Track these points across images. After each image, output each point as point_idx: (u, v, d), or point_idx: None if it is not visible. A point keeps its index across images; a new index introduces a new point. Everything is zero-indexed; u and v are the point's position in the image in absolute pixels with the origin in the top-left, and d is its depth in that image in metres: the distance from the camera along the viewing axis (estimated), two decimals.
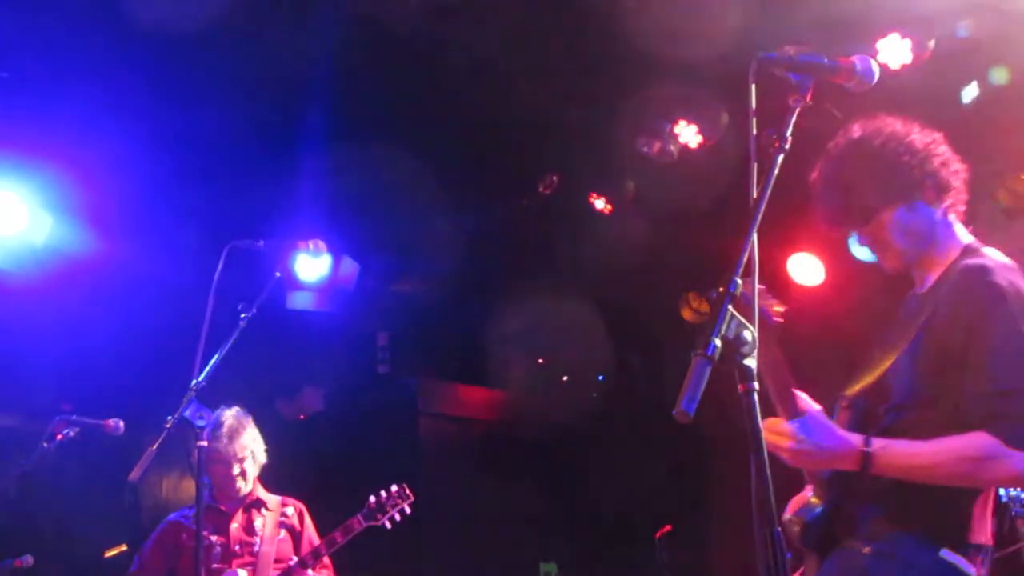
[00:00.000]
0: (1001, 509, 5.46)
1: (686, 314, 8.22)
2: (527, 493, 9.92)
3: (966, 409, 2.80)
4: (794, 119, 2.46)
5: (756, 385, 2.15)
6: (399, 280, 9.22)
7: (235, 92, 6.61)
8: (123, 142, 6.70)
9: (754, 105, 2.42)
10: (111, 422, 4.91)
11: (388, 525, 5.70)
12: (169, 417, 4.01)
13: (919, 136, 3.13)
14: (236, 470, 5.60)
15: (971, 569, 2.86)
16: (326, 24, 6.38)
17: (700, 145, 7.26)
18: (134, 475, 3.95)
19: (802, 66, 2.53)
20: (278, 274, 4.61)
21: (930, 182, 3.08)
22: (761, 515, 2.14)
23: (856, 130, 3.18)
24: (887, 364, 3.06)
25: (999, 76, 6.61)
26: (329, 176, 7.57)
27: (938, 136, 3.16)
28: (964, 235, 3.16)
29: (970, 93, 6.79)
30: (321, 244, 4.73)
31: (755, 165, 2.35)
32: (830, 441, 2.84)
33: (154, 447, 3.94)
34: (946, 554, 2.83)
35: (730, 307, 2.14)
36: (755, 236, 2.29)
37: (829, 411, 3.06)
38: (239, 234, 4.68)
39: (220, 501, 5.67)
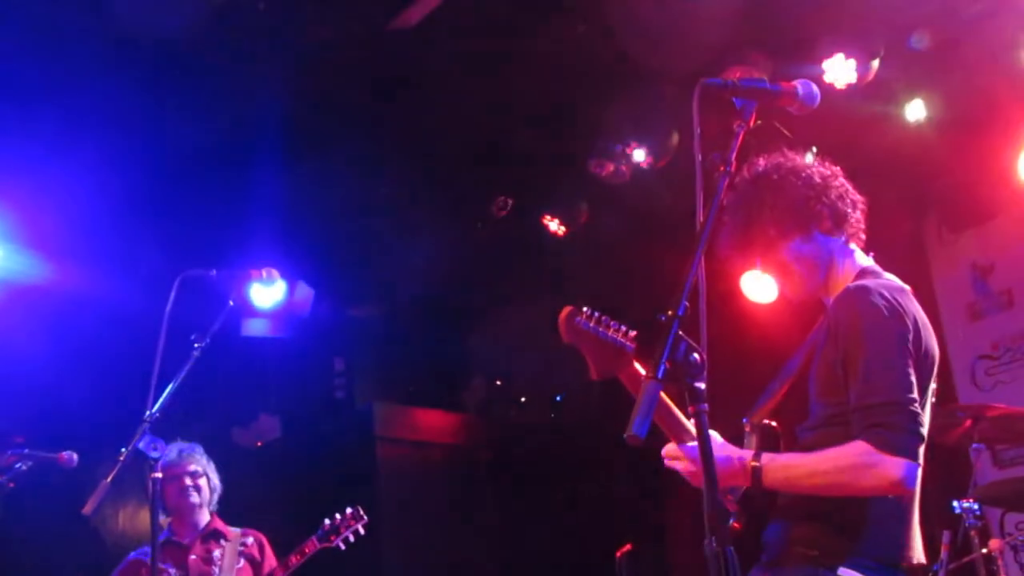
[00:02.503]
0: (955, 520, 5.52)
1: None
2: (486, 516, 9.90)
3: (850, 422, 2.87)
4: (738, 143, 2.50)
5: (707, 407, 2.19)
6: (354, 305, 9.20)
7: (186, 119, 6.59)
8: (74, 170, 6.65)
9: (698, 130, 2.46)
10: (64, 455, 4.87)
11: (342, 546, 5.79)
12: (123, 449, 3.98)
13: (818, 170, 3.26)
14: (188, 482, 5.65)
15: None
16: (279, 51, 6.39)
17: (651, 166, 7.33)
18: (88, 508, 3.90)
19: (745, 91, 2.58)
20: (231, 303, 4.58)
21: (827, 213, 3.19)
22: (713, 533, 2.17)
23: (759, 164, 3.29)
24: (786, 388, 3.17)
25: (915, 111, 6.77)
26: (283, 202, 7.55)
27: (836, 170, 3.29)
28: (863, 260, 3.27)
29: (914, 112, 6.92)
30: (274, 272, 4.72)
31: (701, 189, 2.39)
32: (721, 454, 2.92)
33: (108, 479, 3.90)
34: (844, 571, 2.86)
35: (679, 330, 2.17)
36: (702, 258, 2.32)
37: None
38: (192, 263, 4.66)
39: (178, 533, 5.67)
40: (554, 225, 8.20)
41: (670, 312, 2.20)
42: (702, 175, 2.42)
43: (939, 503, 6.70)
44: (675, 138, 7.24)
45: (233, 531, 5.77)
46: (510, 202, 8.18)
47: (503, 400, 10.49)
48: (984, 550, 5.42)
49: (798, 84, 2.65)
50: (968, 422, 5.65)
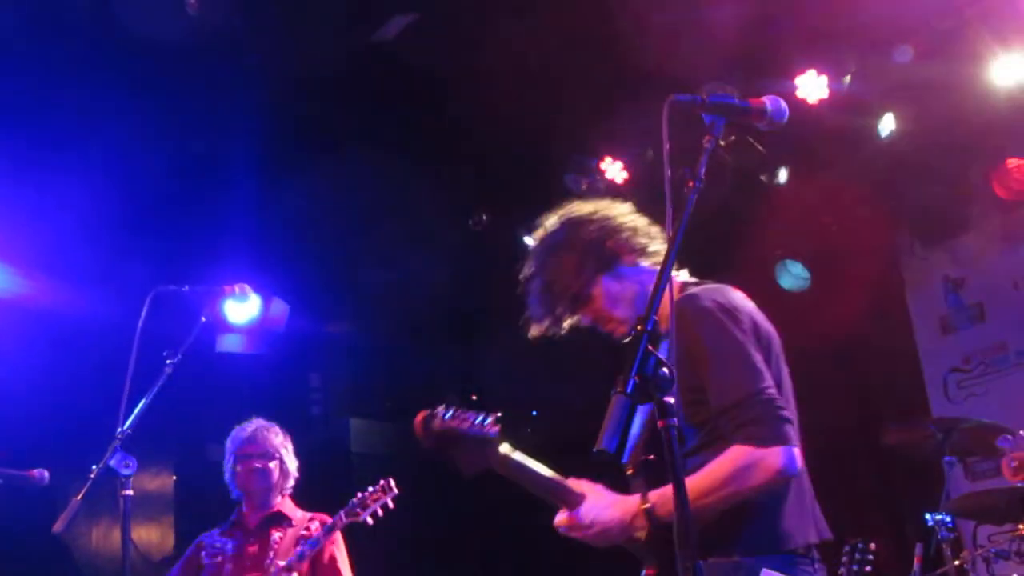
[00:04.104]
0: (927, 533, 5.55)
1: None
2: (464, 532, 9.86)
3: (720, 432, 2.87)
4: (707, 158, 2.52)
5: (676, 421, 2.19)
6: (330, 321, 9.17)
7: (161, 135, 6.58)
8: (46, 185, 6.62)
9: (667, 145, 2.47)
10: (36, 472, 4.81)
11: (370, 521, 5.54)
12: (94, 466, 3.95)
13: (603, 210, 3.29)
14: (258, 464, 5.49)
15: None
16: (254, 68, 6.39)
17: (626, 181, 7.36)
18: (58, 527, 3.88)
19: (714, 107, 2.59)
20: (204, 319, 4.56)
21: (625, 248, 3.21)
22: (683, 547, 2.18)
23: (545, 225, 3.34)
24: (653, 421, 3.06)
25: (887, 125, 6.83)
26: (258, 217, 7.54)
27: (623, 205, 3.32)
28: (680, 276, 3.26)
29: (887, 126, 6.98)
30: (247, 288, 4.70)
31: (670, 205, 2.41)
32: (615, 513, 2.92)
33: (78, 497, 3.88)
34: (767, 573, 2.85)
35: (648, 345, 2.18)
36: (672, 273, 2.33)
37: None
38: (168, 278, 4.64)
39: (245, 515, 5.56)
40: (531, 241, 8.20)
41: (639, 327, 2.20)
42: (671, 190, 2.43)
43: (912, 515, 6.75)
44: (650, 153, 7.28)
45: (300, 515, 5.61)
46: (486, 217, 8.19)
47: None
48: (956, 562, 5.46)
49: (767, 100, 2.67)
50: (940, 435, 5.69)
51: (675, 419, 2.20)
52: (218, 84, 6.36)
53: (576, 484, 3.01)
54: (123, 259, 7.37)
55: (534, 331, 3.31)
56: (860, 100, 6.69)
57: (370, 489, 5.56)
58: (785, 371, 3.11)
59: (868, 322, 8.24)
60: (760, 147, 7.21)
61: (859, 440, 8.25)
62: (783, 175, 7.47)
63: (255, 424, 5.65)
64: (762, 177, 7.48)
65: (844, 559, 5.57)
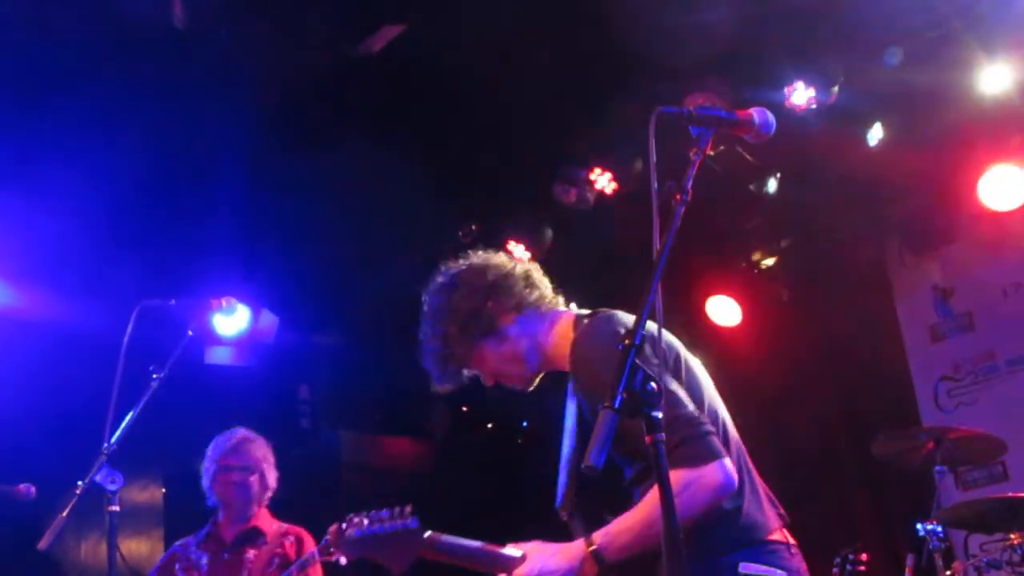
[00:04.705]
0: (918, 543, 5.54)
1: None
2: None
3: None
4: (694, 171, 2.51)
5: (664, 436, 2.18)
6: (320, 332, 9.14)
7: (149, 144, 6.55)
8: (31, 195, 6.59)
9: (654, 158, 2.46)
10: (22, 488, 4.78)
11: (343, 561, 5.49)
12: (79, 482, 3.92)
13: (472, 271, 3.30)
14: (236, 476, 5.45)
15: (775, 572, 2.87)
16: (242, 77, 6.37)
17: (615, 192, 7.36)
18: (43, 543, 3.84)
19: (701, 119, 2.58)
20: (190, 332, 4.54)
21: (503, 307, 3.22)
22: (671, 559, 2.17)
23: (428, 290, 3.36)
24: (576, 466, 3.14)
25: (875, 135, 6.85)
26: (248, 229, 7.52)
27: (496, 259, 3.34)
28: (567, 313, 3.29)
29: (875, 135, 6.99)
30: (234, 301, 4.68)
31: (657, 217, 2.40)
32: (561, 562, 2.91)
33: (64, 513, 3.85)
34: (745, 567, 2.84)
35: (636, 359, 2.16)
36: (659, 287, 2.32)
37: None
38: (155, 290, 4.62)
39: (221, 526, 5.51)
40: (519, 251, 8.19)
41: (627, 341, 2.19)
42: (658, 203, 2.42)
43: (903, 525, 6.75)
44: (639, 165, 7.28)
45: (275, 529, 5.55)
46: (475, 227, 8.18)
47: (470, 427, 10.45)
48: (948, 572, 5.45)
49: (754, 112, 2.66)
50: (931, 444, 5.69)
51: (663, 435, 2.18)
52: (205, 95, 6.34)
53: (512, 548, 3.01)
54: (110, 271, 7.33)
55: (441, 390, 3.35)
56: (849, 109, 6.69)
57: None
58: (697, 376, 3.10)
59: (858, 331, 8.26)
60: (749, 157, 7.22)
61: (849, 449, 8.26)
62: (772, 184, 7.48)
63: (239, 434, 5.62)
64: (751, 186, 7.48)
65: (835, 570, 5.57)
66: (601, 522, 2.96)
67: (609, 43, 6.26)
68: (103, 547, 8.39)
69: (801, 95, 6.39)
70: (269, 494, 5.67)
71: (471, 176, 7.59)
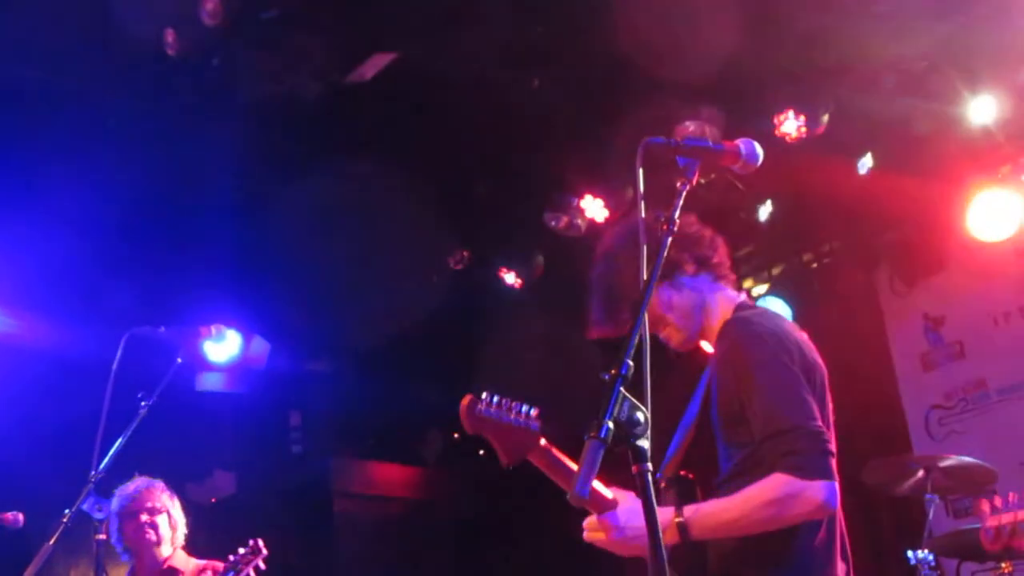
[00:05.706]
0: (910, 571, 5.53)
1: None
2: (445, 571, 9.80)
3: (761, 458, 2.87)
4: (681, 201, 2.52)
5: (650, 466, 2.18)
6: (311, 358, 9.13)
7: (140, 171, 6.56)
8: (25, 225, 6.59)
9: (641, 188, 2.47)
10: (10, 515, 4.76)
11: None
12: (66, 511, 3.91)
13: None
14: (145, 519, 5.39)
15: None
16: (233, 105, 6.39)
17: (607, 219, 7.37)
18: (30, 572, 3.83)
19: (687, 150, 2.60)
20: (180, 360, 4.53)
21: (687, 258, 3.22)
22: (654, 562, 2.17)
23: (606, 236, 3.35)
24: (691, 438, 3.16)
25: (865, 164, 6.89)
26: (239, 255, 7.52)
27: (689, 215, 3.30)
28: (736, 296, 3.29)
29: (864, 165, 7.02)
30: (223, 328, 4.68)
31: (644, 247, 2.40)
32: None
33: (50, 542, 3.83)
34: None
35: (622, 389, 2.17)
36: (646, 316, 2.32)
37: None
38: (146, 317, 4.62)
39: (138, 572, 5.45)
40: (510, 278, 8.21)
41: (613, 371, 2.19)
42: (645, 233, 2.43)
43: (894, 553, 6.73)
44: (630, 192, 7.30)
45: (192, 567, 5.51)
46: (466, 255, 8.19)
47: (461, 453, 10.43)
48: None
49: (740, 144, 2.68)
50: (922, 472, 5.68)
51: (649, 464, 2.18)
52: (197, 122, 6.36)
53: (606, 489, 2.98)
54: (103, 297, 7.33)
55: (594, 334, 3.29)
56: (839, 138, 6.73)
57: (241, 551, 5.37)
58: (829, 404, 3.13)
59: (849, 359, 8.26)
60: (740, 185, 7.25)
61: (840, 477, 8.24)
62: (764, 212, 7.51)
63: (139, 481, 5.54)
64: (742, 214, 7.51)
65: None
66: (694, 499, 2.99)
67: (600, 71, 6.30)
68: (91, 575, 8.35)
69: (791, 124, 6.42)
70: (181, 533, 5.63)
71: (462, 203, 7.61)
